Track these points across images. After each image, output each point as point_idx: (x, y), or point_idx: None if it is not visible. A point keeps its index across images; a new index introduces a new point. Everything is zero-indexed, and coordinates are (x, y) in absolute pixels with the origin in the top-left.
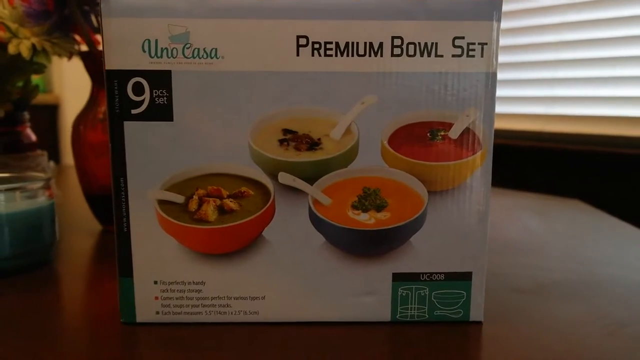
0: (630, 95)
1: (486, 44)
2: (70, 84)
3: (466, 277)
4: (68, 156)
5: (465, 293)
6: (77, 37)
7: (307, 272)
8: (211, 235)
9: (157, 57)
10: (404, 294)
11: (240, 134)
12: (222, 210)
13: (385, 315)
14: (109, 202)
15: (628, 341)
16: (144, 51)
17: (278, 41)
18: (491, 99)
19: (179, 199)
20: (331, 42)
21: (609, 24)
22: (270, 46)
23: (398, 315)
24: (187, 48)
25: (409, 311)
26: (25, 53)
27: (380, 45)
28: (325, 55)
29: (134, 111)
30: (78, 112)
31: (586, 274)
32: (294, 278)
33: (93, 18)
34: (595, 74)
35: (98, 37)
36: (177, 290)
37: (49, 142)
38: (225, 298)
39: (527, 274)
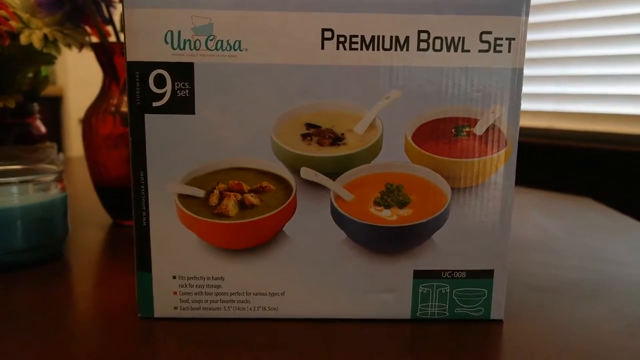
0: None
1: (514, 39)
2: (74, 76)
3: (488, 275)
4: (72, 148)
5: (486, 291)
6: (88, 28)
7: (327, 268)
8: (231, 230)
9: (180, 49)
10: (424, 292)
11: (263, 128)
12: (242, 205)
13: (405, 312)
14: (120, 195)
15: None
16: (167, 43)
17: (303, 34)
18: (517, 95)
19: (200, 193)
20: (357, 36)
21: (621, 20)
22: (295, 39)
23: (418, 312)
24: (211, 40)
25: (430, 309)
26: (37, 44)
27: (407, 39)
28: (351, 49)
29: (155, 104)
30: (82, 105)
31: (603, 273)
32: (314, 274)
33: (104, 9)
34: (606, 71)
35: (109, 28)
36: (196, 286)
37: (53, 134)
38: (245, 294)
39: (545, 273)
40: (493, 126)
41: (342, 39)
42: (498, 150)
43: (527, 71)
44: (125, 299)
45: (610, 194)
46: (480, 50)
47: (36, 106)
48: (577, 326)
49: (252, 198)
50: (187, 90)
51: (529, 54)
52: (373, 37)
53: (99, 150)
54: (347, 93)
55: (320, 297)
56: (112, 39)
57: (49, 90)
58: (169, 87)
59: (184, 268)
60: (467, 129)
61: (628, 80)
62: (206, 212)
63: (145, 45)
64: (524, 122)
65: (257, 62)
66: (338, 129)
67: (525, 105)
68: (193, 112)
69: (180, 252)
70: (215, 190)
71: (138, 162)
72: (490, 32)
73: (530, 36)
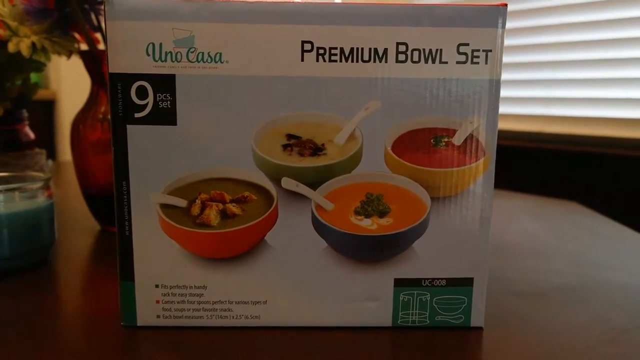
0: (629, 96)
1: (490, 50)
2: (67, 80)
3: (467, 282)
4: (65, 153)
5: (466, 299)
6: (77, 36)
7: (309, 277)
8: (213, 239)
9: (161, 61)
10: (405, 300)
11: (244, 139)
12: (224, 215)
13: (386, 320)
14: (107, 202)
15: (629, 348)
16: (148, 55)
17: (283, 46)
18: (495, 105)
19: (182, 203)
20: (336, 48)
21: (610, 25)
22: (275, 51)
23: (399, 320)
24: (192, 52)
25: (410, 316)
26: (25, 52)
27: (385, 51)
28: (330, 60)
29: (137, 115)
30: (75, 109)
31: (587, 279)
32: (296, 283)
33: (93, 16)
34: (595, 75)
35: (98, 35)
36: (179, 294)
37: (46, 138)
38: (227, 302)
39: (527, 278)
40: (471, 136)
41: (321, 51)
42: (476, 160)
43: (517, 75)
44: (110, 307)
45: (597, 197)
46: (457, 62)
47: (25, 113)
48: (558, 333)
49: (233, 208)
50: (168, 102)
51: (518, 57)
52: (352, 49)
53: (86, 157)
54: (327, 104)
55: (302, 305)
56: (101, 46)
57: (41, 94)
58: (150, 99)
59: (167, 277)
60: (446, 139)
61: (618, 83)
62: (188, 222)
63: (127, 57)
64: (514, 125)
65: (238, 73)
66: (318, 140)
67: (514, 109)
68: (175, 123)
69: (162, 261)
70: (197, 200)
71: (120, 172)
72: (467, 44)
73: (520, 40)
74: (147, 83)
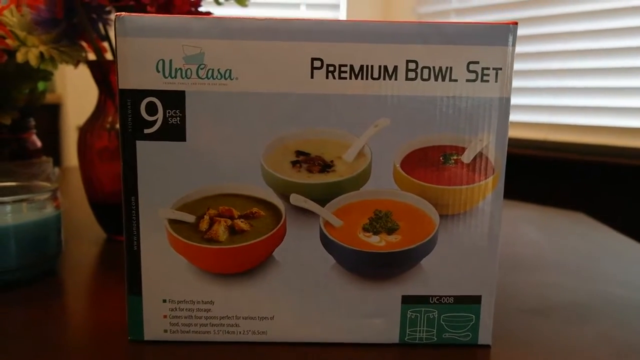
0: (636, 105)
1: (500, 69)
2: (72, 84)
3: (475, 300)
4: (70, 158)
5: (474, 316)
6: (84, 44)
7: (316, 293)
8: (221, 255)
9: (171, 78)
10: (412, 317)
11: (253, 155)
12: (232, 231)
13: (393, 337)
14: (114, 210)
15: None
16: (158, 71)
17: (293, 63)
18: (504, 123)
19: (190, 218)
20: (346, 65)
21: (616, 33)
22: (285, 68)
23: (407, 337)
24: (202, 69)
25: (418, 334)
26: (34, 62)
27: (395, 68)
28: (340, 77)
29: (146, 131)
30: (81, 114)
31: (595, 294)
32: (303, 299)
33: (100, 26)
34: (601, 83)
35: (105, 44)
36: (186, 309)
37: (51, 142)
38: (234, 318)
39: (534, 293)
40: (480, 154)
41: (331, 68)
42: (485, 178)
43: (523, 83)
44: (117, 319)
45: (602, 207)
46: (467, 80)
47: (32, 121)
48: (565, 351)
49: (242, 224)
50: (178, 118)
51: (525, 65)
52: (362, 66)
53: (93, 166)
54: (336, 121)
55: (309, 321)
56: (109, 55)
57: (48, 98)
58: (160, 115)
59: (174, 292)
60: (455, 157)
61: (624, 92)
62: (196, 237)
63: (137, 74)
64: (519, 133)
65: (247, 90)
66: (327, 157)
67: (520, 117)
68: (184, 139)
69: (170, 276)
70: (205, 216)
71: (129, 187)
72: (477, 62)
73: (527, 48)
74: (156, 99)
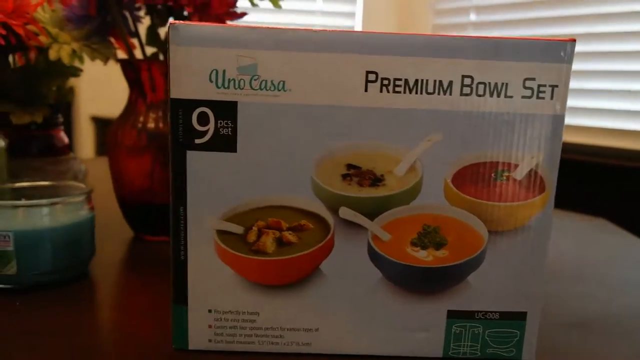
0: None
1: (557, 86)
2: (86, 73)
3: (521, 317)
4: (83, 147)
5: (518, 332)
6: (113, 41)
7: (362, 307)
8: (268, 266)
9: (224, 88)
10: (457, 331)
11: (303, 168)
12: (280, 243)
13: (437, 351)
14: (143, 210)
15: None
16: (211, 81)
17: (346, 76)
18: (557, 141)
19: (239, 229)
20: (400, 79)
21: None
22: (339, 80)
23: (450, 351)
24: (255, 79)
25: (462, 348)
26: (66, 59)
27: (450, 83)
28: (394, 92)
29: (197, 141)
30: (96, 102)
31: (626, 306)
32: (348, 312)
33: (131, 22)
34: (625, 86)
35: (134, 41)
36: (231, 320)
37: (64, 132)
38: (279, 329)
39: (571, 306)
40: (532, 171)
41: (386, 82)
42: (536, 196)
43: None
44: (153, 325)
45: (622, 212)
46: (523, 97)
47: (60, 117)
48: None
49: (290, 236)
50: (229, 129)
51: None
52: (417, 80)
53: (124, 166)
54: (388, 135)
55: (354, 334)
56: (137, 51)
57: None
58: (211, 125)
59: (220, 302)
60: (507, 174)
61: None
62: (244, 248)
63: (189, 83)
64: None
65: (300, 102)
66: (378, 170)
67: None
68: (235, 150)
69: (216, 287)
70: (254, 227)
71: (178, 197)
72: (533, 79)
73: None
74: (209, 109)
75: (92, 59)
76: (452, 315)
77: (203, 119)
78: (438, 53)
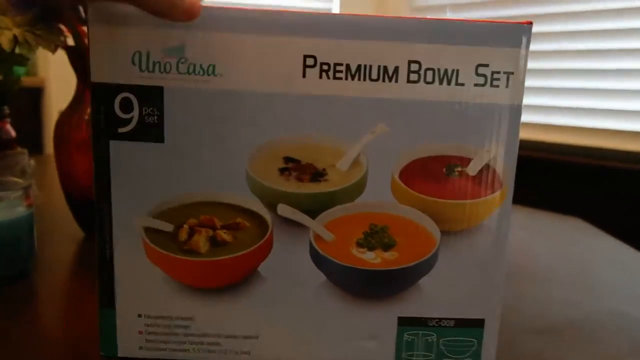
0: (634, 108)
1: (512, 73)
2: (56, 67)
3: (478, 324)
4: (52, 144)
5: (476, 341)
6: (64, 28)
7: (305, 312)
8: (201, 267)
9: (149, 71)
10: (409, 340)
11: (238, 160)
12: (214, 242)
13: None
14: (91, 208)
15: None
16: (134, 64)
17: (283, 60)
18: (514, 133)
19: (168, 227)
20: (341, 64)
21: (615, 35)
22: (274, 65)
23: None
24: (182, 63)
25: (414, 358)
26: (6, 45)
27: (396, 69)
28: (335, 77)
29: (121, 129)
30: (66, 99)
31: (598, 310)
32: (290, 318)
33: (81, 8)
34: (599, 85)
35: (85, 28)
36: (163, 325)
37: (32, 129)
38: (215, 336)
39: (537, 310)
40: (487, 166)
41: (325, 67)
42: (492, 192)
43: None
44: (90, 330)
45: (596, 211)
46: (475, 84)
47: (6, 109)
48: None
49: (224, 235)
50: (155, 116)
51: None
52: (359, 66)
53: (71, 160)
54: (329, 126)
55: (297, 342)
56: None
57: (29, 81)
58: (136, 112)
59: (151, 306)
60: (460, 169)
61: (623, 95)
62: (175, 248)
63: (111, 66)
64: None
65: (232, 88)
66: (319, 164)
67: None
68: (162, 140)
69: (146, 289)
70: (185, 225)
71: (102, 191)
72: (487, 65)
73: None
74: (132, 95)
75: (36, 46)
76: (403, 322)
77: (126, 106)
78: (382, 36)
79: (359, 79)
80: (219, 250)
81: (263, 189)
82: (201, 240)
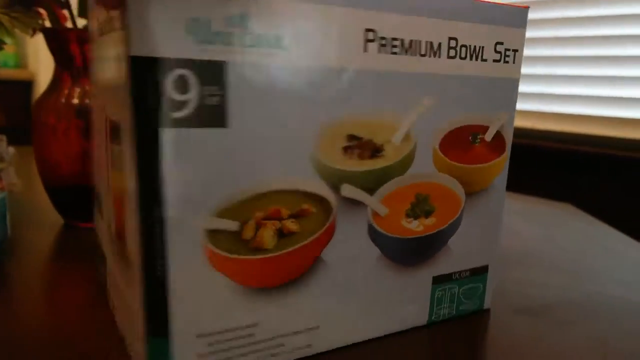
0: (625, 95)
1: (517, 50)
2: (46, 60)
3: (484, 270)
4: None
5: (481, 285)
6: (42, 11)
7: (361, 290)
8: (270, 264)
9: (209, 44)
10: (439, 296)
11: (303, 142)
12: (281, 234)
13: (423, 319)
14: (70, 194)
15: None
16: (189, 34)
17: (346, 33)
18: (514, 103)
19: (233, 226)
20: (397, 39)
21: (609, 21)
22: (338, 38)
23: (433, 316)
24: (247, 34)
25: (442, 310)
26: None
27: (439, 45)
28: (392, 52)
29: (176, 115)
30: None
31: (584, 292)
32: (349, 299)
33: None
34: (591, 72)
35: (65, 12)
36: (225, 341)
37: (22, 121)
38: (280, 337)
39: (524, 292)
40: (498, 132)
41: (383, 42)
42: (499, 156)
43: None
44: (65, 314)
45: (589, 197)
46: (494, 60)
47: None
48: (550, 356)
49: (291, 225)
50: (218, 97)
51: None
52: (412, 41)
53: (48, 146)
54: (385, 100)
55: (354, 322)
56: (69, 24)
57: (19, 74)
58: (194, 93)
59: (213, 322)
60: (481, 136)
61: (614, 82)
62: (241, 248)
63: (160, 36)
64: None
65: (297, 62)
66: (377, 140)
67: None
68: (225, 125)
69: (208, 304)
70: (251, 221)
71: (150, 193)
72: (502, 43)
73: None
74: (189, 72)
75: (12, 29)
76: (436, 281)
77: (182, 86)
78: (429, 13)
79: (412, 54)
80: (286, 242)
81: (329, 170)
82: (268, 235)
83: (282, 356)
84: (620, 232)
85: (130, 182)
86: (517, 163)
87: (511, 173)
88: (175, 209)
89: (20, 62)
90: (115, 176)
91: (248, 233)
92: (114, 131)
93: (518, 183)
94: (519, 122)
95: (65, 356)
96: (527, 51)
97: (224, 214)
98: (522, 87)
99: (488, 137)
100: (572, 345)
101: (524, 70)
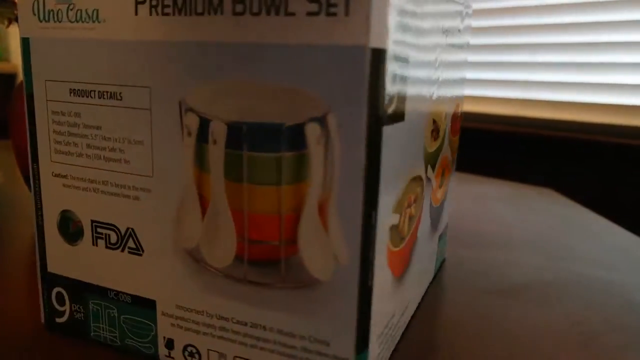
0: (607, 81)
1: None
2: None
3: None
4: None
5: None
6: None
7: (424, 263)
8: (408, 251)
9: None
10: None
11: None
12: (411, 220)
13: (430, 275)
14: None
15: (600, 353)
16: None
17: None
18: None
19: (396, 219)
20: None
21: (590, 8)
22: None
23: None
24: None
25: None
26: None
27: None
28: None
29: (389, 110)
30: None
31: (561, 273)
32: (417, 277)
33: None
34: (572, 59)
35: None
36: (385, 334)
37: (4, 115)
38: (398, 321)
39: (498, 272)
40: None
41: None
42: None
43: (494, 57)
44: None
45: (571, 183)
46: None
47: None
48: (528, 336)
49: (414, 210)
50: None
51: (495, 39)
52: None
53: (23, 136)
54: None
55: (416, 291)
56: None
57: (2, 68)
58: (396, 90)
59: (382, 319)
60: None
61: (596, 68)
62: (397, 240)
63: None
64: (488, 108)
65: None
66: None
67: (489, 92)
68: (404, 118)
69: (385, 305)
70: (406, 210)
71: (372, 195)
72: None
73: (498, 22)
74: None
75: None
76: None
77: (393, 80)
78: None
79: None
80: (410, 226)
81: (429, 155)
82: (407, 222)
83: (397, 338)
84: (600, 215)
85: (325, 187)
86: (500, 150)
87: (494, 160)
88: (384, 209)
89: (3, 56)
90: (248, 188)
91: (403, 224)
92: (244, 135)
93: (501, 169)
94: (501, 110)
95: (52, 347)
96: (508, 38)
97: (396, 209)
98: (504, 75)
99: None
100: (550, 325)
101: (505, 57)
